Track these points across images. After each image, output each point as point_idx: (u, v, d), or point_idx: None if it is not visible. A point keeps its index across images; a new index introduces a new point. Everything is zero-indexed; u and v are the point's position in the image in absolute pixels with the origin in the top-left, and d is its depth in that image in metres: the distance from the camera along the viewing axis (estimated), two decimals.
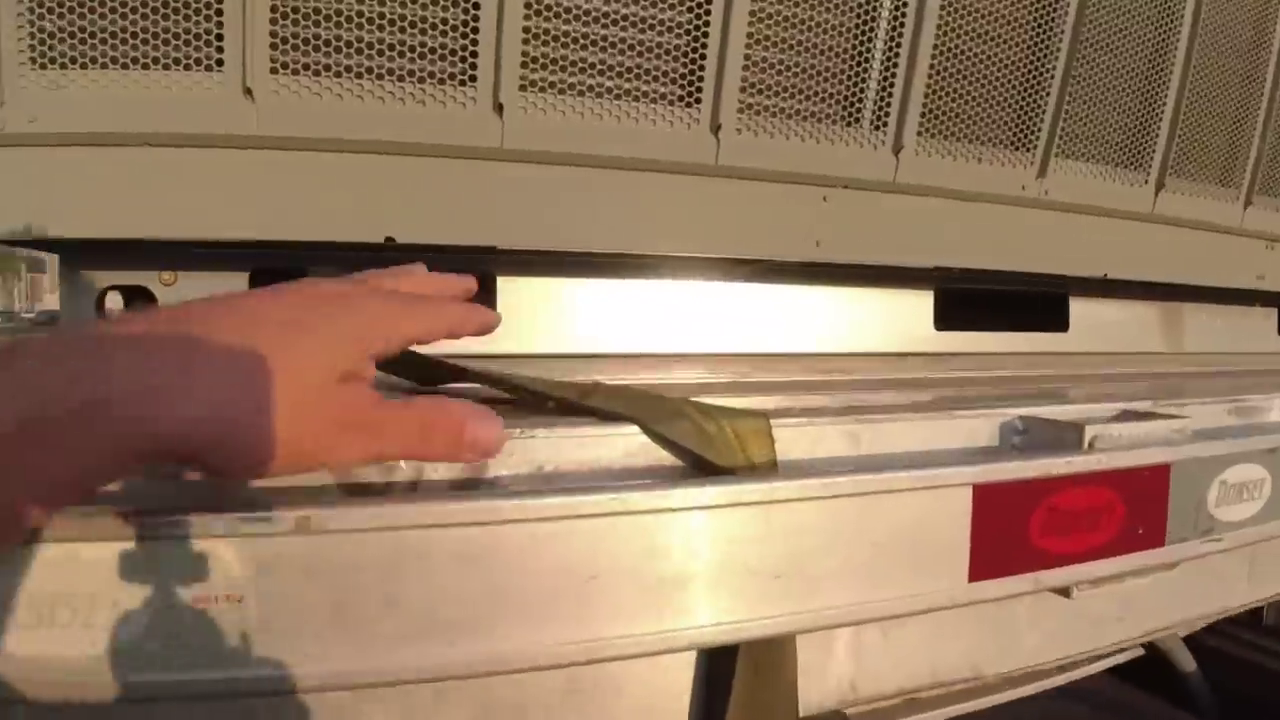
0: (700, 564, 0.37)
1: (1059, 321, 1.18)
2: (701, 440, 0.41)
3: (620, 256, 0.86)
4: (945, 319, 1.07)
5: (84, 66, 0.76)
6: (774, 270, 0.93)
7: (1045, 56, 0.91)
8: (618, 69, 0.82)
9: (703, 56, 0.82)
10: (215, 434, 0.29)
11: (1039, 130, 0.93)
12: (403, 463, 0.37)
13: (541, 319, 0.90)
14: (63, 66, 0.77)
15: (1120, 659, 1.03)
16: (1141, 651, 1.03)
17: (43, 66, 0.77)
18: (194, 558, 0.31)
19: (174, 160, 0.78)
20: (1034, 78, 0.92)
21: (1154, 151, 0.99)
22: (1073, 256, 1.01)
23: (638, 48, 0.82)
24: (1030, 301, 1.17)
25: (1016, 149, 0.94)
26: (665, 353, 0.93)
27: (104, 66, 0.76)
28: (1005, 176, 0.94)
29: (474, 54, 0.79)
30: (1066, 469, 0.42)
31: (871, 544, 0.40)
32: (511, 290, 0.91)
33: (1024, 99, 0.92)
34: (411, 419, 0.34)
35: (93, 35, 0.76)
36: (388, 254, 0.85)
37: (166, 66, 0.76)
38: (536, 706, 0.45)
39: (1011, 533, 0.41)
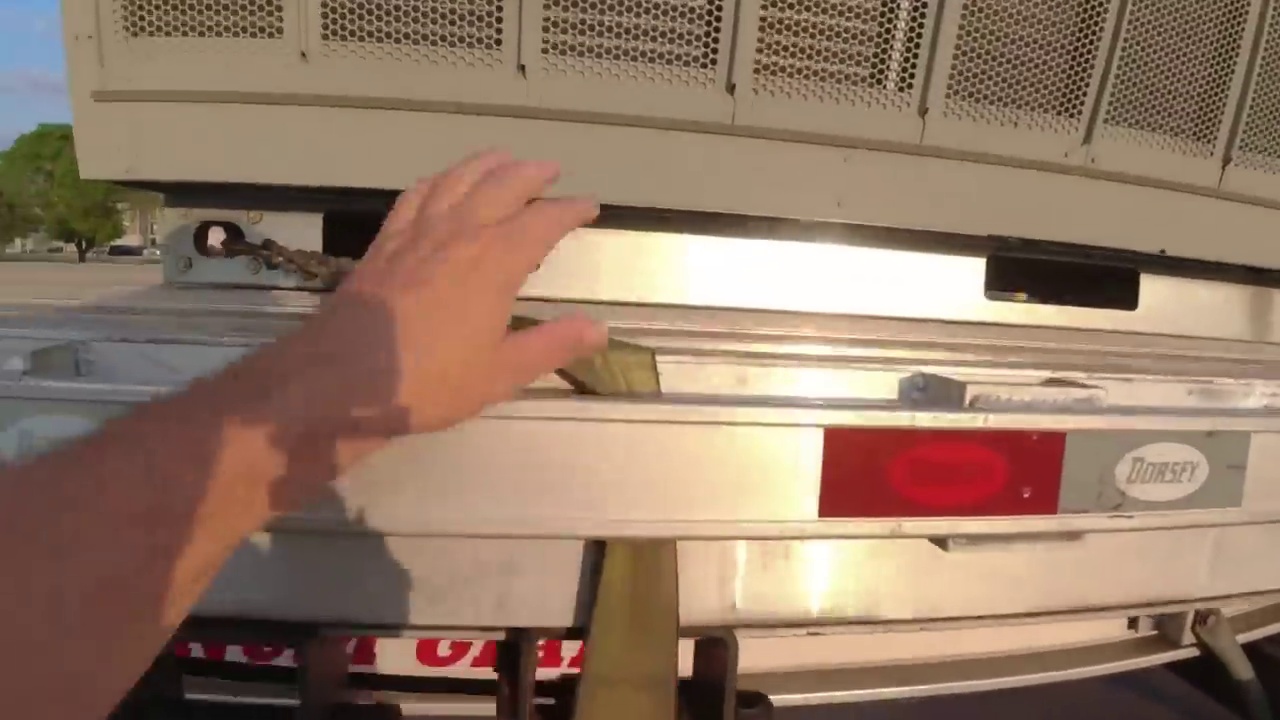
0: (578, 470, 0.43)
1: (1126, 299, 1.12)
2: (582, 369, 0.46)
3: (640, 210, 0.90)
4: (997, 287, 1.05)
5: (168, 35, 0.88)
6: (817, 229, 0.94)
7: (1092, 13, 0.86)
8: (636, 30, 0.85)
9: (718, 19, 0.84)
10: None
11: (1084, 94, 0.89)
12: None
13: (583, 267, 0.96)
14: (150, 34, 0.88)
15: (1168, 657, 1.00)
16: (1196, 653, 0.99)
17: (134, 34, 0.89)
18: None
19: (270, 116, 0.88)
20: (1079, 37, 0.87)
21: (1220, 122, 0.92)
22: (1124, 230, 0.96)
23: (658, 8, 0.84)
24: (1094, 277, 1.11)
25: (1059, 114, 0.90)
26: (691, 304, 0.96)
27: (184, 35, 0.87)
28: (1046, 143, 0.90)
29: (499, 18, 0.84)
30: (932, 424, 0.43)
31: (735, 471, 0.43)
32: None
33: (1067, 60, 0.88)
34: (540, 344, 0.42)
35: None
36: None
37: (237, 35, 0.87)
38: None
39: (867, 476, 0.43)
